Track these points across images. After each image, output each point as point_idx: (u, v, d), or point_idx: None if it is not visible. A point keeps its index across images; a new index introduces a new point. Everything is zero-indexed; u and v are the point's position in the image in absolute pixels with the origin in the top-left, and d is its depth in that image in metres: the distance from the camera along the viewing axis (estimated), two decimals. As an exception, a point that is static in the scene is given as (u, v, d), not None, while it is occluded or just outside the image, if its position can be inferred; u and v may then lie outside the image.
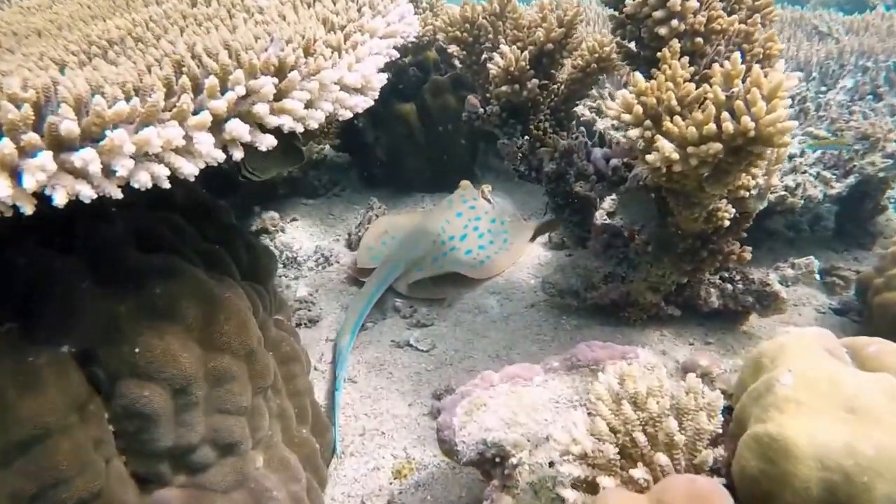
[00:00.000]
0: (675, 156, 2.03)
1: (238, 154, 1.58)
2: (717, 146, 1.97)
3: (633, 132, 2.16)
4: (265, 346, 2.27)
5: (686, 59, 2.33)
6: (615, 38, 2.88)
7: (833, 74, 4.20)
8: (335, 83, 1.78)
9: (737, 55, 2.02)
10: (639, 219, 3.37)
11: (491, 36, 3.23)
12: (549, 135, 3.23)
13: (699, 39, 2.40)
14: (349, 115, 1.87)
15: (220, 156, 1.54)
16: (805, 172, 3.36)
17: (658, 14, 2.33)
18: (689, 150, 2.01)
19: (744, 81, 2.01)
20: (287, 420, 2.28)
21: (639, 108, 2.14)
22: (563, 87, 3.30)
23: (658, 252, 2.93)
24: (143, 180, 1.40)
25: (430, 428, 2.85)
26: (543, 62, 2.98)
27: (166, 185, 1.46)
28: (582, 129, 3.21)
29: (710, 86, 2.09)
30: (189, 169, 1.48)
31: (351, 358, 3.36)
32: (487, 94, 3.25)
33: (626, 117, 2.17)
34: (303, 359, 2.44)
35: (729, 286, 3.12)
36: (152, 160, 1.44)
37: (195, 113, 1.53)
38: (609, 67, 3.15)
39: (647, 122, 2.14)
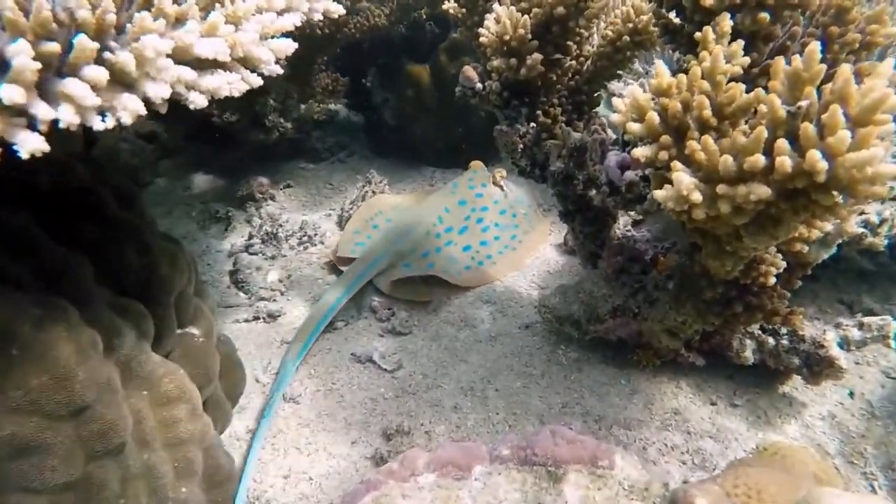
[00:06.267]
0: (697, 196, 1.35)
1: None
2: (763, 190, 1.28)
3: (643, 150, 1.48)
4: (132, 387, 1.77)
5: (740, 43, 1.60)
6: (652, 3, 2.14)
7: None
8: (169, 54, 1.18)
9: (815, 45, 1.30)
10: (669, 234, 2.67)
11: (499, -10, 2.52)
12: (560, 124, 2.53)
13: (764, 14, 1.66)
14: (203, 102, 1.27)
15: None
16: (894, 198, 2.56)
17: (705, -26, 1.60)
18: (720, 189, 1.32)
19: (820, 90, 1.29)
20: (157, 479, 1.79)
21: (654, 116, 1.45)
22: (588, 63, 2.58)
23: (679, 293, 2.25)
24: None
25: (369, 477, 2.33)
26: (553, 31, 2.26)
27: None
28: (603, 119, 2.50)
29: (766, 90, 1.38)
30: None
31: (302, 370, 2.85)
32: (488, 67, 2.57)
33: (635, 127, 1.48)
34: (193, 397, 1.92)
35: (771, 340, 2.41)
36: None
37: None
38: (646, 42, 2.41)
39: (665, 138, 1.45)
